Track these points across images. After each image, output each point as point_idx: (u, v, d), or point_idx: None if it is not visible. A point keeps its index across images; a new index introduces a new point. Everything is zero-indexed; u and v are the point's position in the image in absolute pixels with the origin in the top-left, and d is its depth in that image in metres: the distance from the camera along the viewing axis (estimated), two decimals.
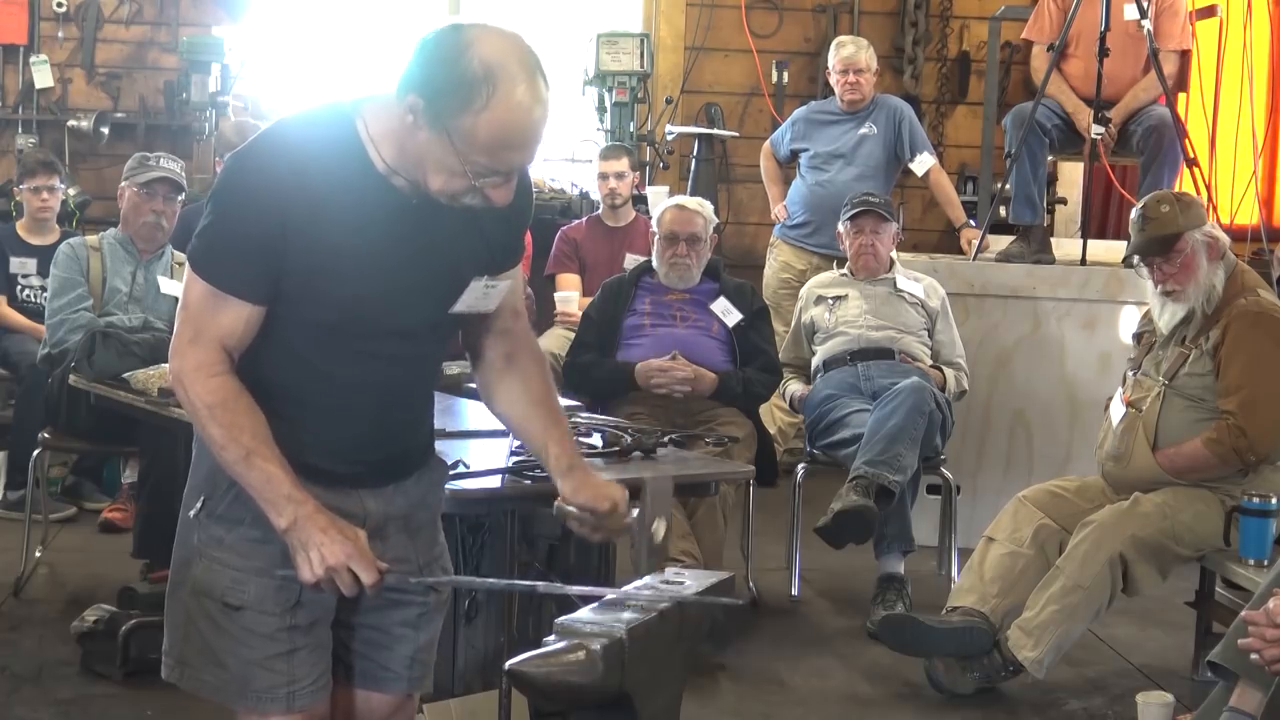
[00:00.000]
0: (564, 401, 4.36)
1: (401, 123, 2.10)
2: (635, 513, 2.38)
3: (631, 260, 5.83)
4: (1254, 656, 3.00)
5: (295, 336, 2.20)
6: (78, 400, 4.51)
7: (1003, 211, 6.37)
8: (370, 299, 2.19)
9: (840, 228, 5.35)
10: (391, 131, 2.14)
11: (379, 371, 2.25)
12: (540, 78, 2.08)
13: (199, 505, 2.28)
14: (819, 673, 4.29)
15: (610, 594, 2.17)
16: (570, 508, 2.38)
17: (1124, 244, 5.25)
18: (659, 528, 2.36)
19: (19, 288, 5.87)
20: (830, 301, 5.25)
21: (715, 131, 7.46)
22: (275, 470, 2.15)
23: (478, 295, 2.29)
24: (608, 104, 7.15)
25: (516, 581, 2.48)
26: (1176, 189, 5.56)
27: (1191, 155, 5.71)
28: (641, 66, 7.09)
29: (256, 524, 2.22)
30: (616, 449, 3.54)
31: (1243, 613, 3.20)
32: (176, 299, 5.16)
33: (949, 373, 5.12)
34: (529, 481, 3.13)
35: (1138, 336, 4.43)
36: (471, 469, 3.15)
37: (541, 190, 7.10)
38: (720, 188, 7.49)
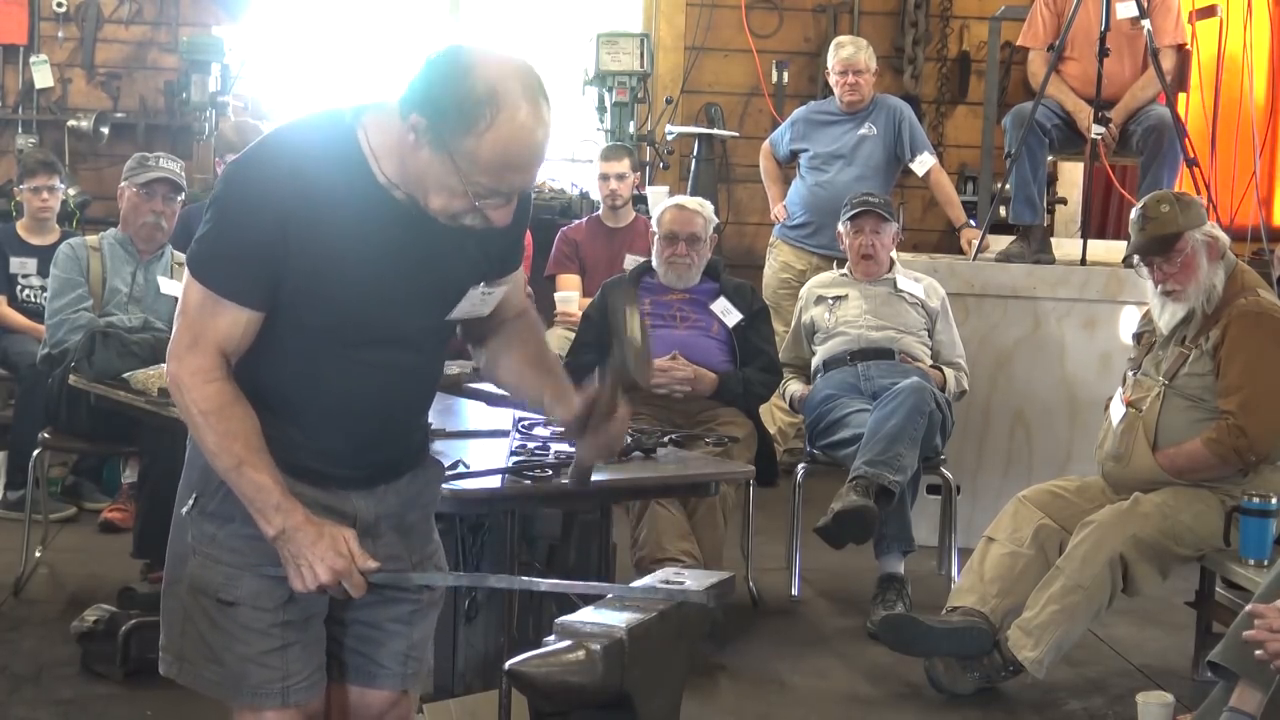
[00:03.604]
0: None
1: (403, 140, 2.11)
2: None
3: (631, 261, 5.83)
4: (1258, 652, 3.00)
5: (293, 343, 2.21)
6: (78, 400, 4.50)
7: (1003, 211, 6.37)
8: (369, 307, 2.19)
9: (840, 228, 5.35)
10: (393, 146, 2.15)
11: (376, 379, 2.26)
12: (543, 100, 2.09)
13: (191, 502, 2.29)
14: (819, 673, 4.29)
15: (611, 592, 2.17)
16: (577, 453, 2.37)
17: (1124, 244, 5.25)
18: (633, 319, 2.23)
19: (19, 288, 5.87)
20: (830, 301, 5.25)
21: (715, 131, 7.46)
22: (265, 480, 2.17)
23: (474, 302, 2.30)
24: (608, 104, 7.14)
25: (516, 578, 2.46)
26: (1176, 189, 5.56)
27: (1191, 155, 5.71)
28: (641, 66, 7.09)
29: (248, 521, 2.23)
30: None
31: (1248, 607, 3.20)
32: (176, 299, 5.17)
33: (949, 373, 5.12)
34: (529, 481, 3.13)
35: (1138, 336, 4.43)
36: (471, 469, 3.15)
37: (541, 190, 7.11)
38: (720, 188, 7.49)
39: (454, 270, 2.25)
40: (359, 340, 2.22)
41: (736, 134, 7.62)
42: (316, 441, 2.26)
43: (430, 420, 2.50)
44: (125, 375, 4.18)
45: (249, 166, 2.17)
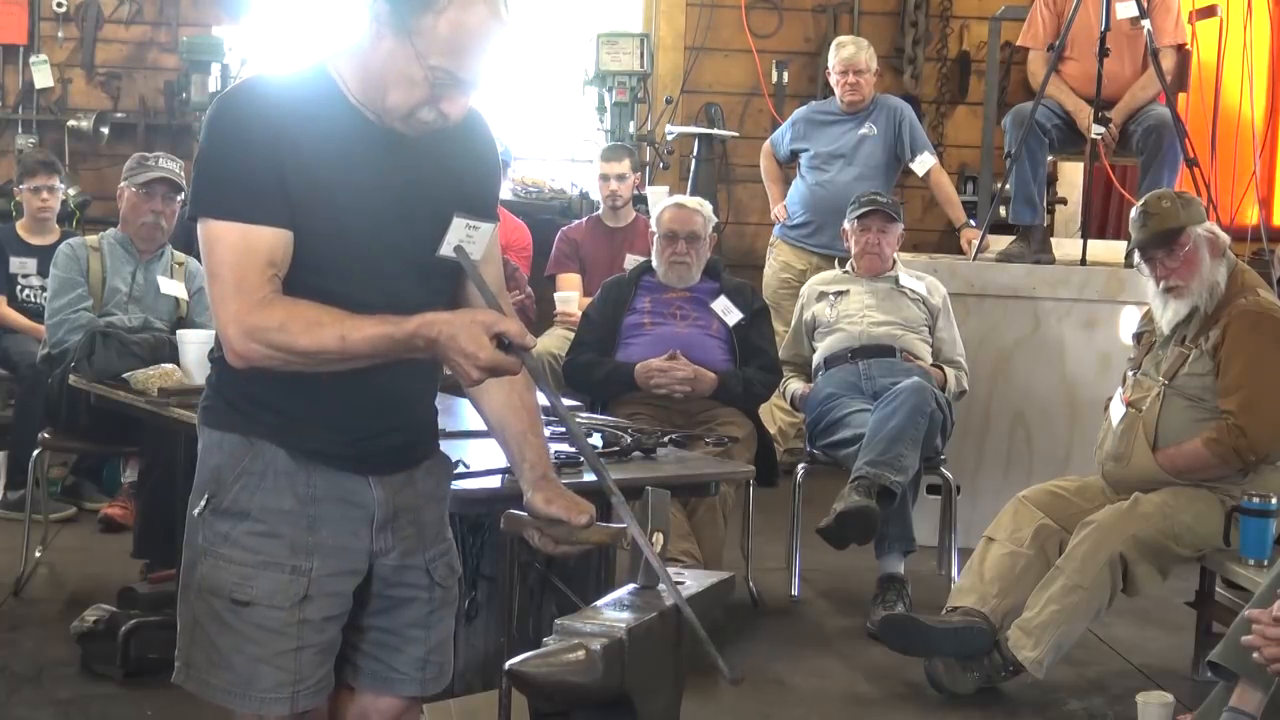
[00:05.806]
0: (564, 401, 4.37)
1: (365, 45, 2.18)
2: (630, 523, 2.35)
3: (632, 260, 5.83)
4: (1255, 655, 3.00)
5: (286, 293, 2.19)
6: (78, 400, 4.50)
7: (1003, 211, 6.37)
8: (353, 234, 2.19)
9: (846, 225, 5.35)
10: (357, 63, 2.21)
11: None
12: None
13: (203, 503, 2.27)
14: (819, 673, 4.29)
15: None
16: (528, 518, 2.35)
17: (1124, 244, 5.25)
18: (658, 540, 2.33)
19: (19, 288, 5.88)
20: (832, 297, 5.25)
21: (715, 131, 7.46)
22: (372, 329, 2.11)
23: (460, 235, 2.27)
24: (608, 104, 7.15)
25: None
26: (1176, 189, 5.56)
27: (1191, 155, 5.71)
28: (641, 66, 7.10)
29: (263, 517, 2.22)
30: (616, 449, 3.54)
31: (1244, 610, 3.20)
32: (176, 299, 5.22)
33: (949, 372, 5.12)
34: None
35: (1138, 336, 4.43)
36: (471, 469, 3.15)
37: (541, 190, 7.11)
38: (720, 188, 7.49)
39: (432, 192, 2.25)
40: (346, 270, 2.19)
41: (736, 134, 7.62)
42: (318, 407, 2.23)
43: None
44: (125, 375, 4.17)
45: (232, 101, 2.20)
